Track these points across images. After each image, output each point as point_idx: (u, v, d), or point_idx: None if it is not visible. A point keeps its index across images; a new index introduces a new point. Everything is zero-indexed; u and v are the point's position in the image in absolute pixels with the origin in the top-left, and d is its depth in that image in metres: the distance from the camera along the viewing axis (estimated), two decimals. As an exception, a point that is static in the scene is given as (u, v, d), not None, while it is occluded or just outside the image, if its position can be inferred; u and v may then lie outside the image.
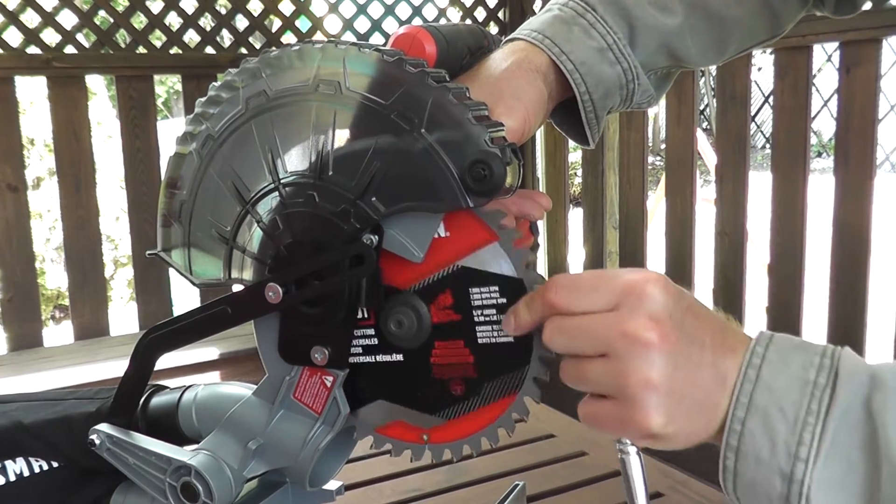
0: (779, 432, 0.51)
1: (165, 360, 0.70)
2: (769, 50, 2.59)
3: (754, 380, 0.52)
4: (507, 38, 0.72)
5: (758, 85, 9.67)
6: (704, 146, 4.68)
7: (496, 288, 0.59)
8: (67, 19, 2.54)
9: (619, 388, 0.52)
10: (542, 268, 3.26)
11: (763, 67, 8.58)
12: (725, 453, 0.53)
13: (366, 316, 0.62)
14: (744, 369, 0.52)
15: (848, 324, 2.16)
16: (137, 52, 2.68)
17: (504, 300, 0.59)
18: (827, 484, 0.50)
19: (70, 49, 2.56)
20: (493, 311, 0.59)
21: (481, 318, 0.59)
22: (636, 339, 0.51)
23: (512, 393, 0.60)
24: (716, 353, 0.53)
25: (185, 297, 2.86)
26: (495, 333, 0.59)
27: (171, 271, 0.68)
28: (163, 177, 0.67)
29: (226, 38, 2.84)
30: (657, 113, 8.07)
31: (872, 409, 0.50)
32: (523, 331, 0.57)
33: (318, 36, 2.90)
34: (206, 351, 2.40)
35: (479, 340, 0.60)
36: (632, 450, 0.56)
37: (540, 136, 3.22)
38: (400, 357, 0.62)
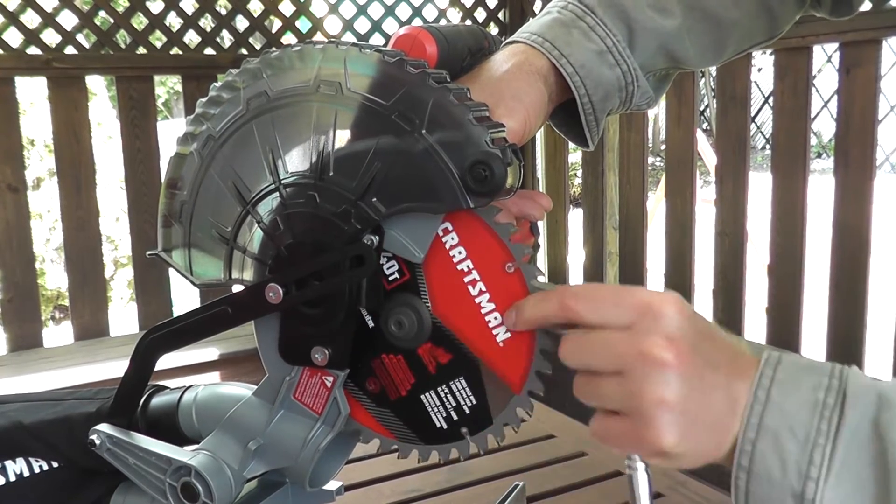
0: (790, 452, 0.52)
1: (165, 361, 0.70)
2: (769, 51, 2.59)
3: (764, 401, 0.53)
4: (507, 41, 0.72)
5: (758, 86, 9.68)
6: (704, 147, 4.68)
7: (475, 400, 0.61)
8: (67, 20, 2.54)
9: (633, 406, 0.53)
10: (542, 268, 3.25)
11: (763, 68, 8.59)
12: (737, 473, 0.53)
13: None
14: (753, 391, 0.53)
15: (848, 324, 2.16)
16: (137, 52, 2.68)
17: (468, 407, 0.61)
18: (838, 502, 0.51)
19: (70, 49, 2.56)
20: (452, 402, 0.61)
21: (441, 393, 0.61)
22: (653, 359, 0.52)
23: (390, 434, 0.64)
24: (728, 376, 0.54)
25: (184, 298, 2.86)
26: (435, 411, 0.62)
27: (171, 272, 0.68)
28: (163, 177, 0.67)
29: (226, 38, 2.84)
30: (657, 114, 8.08)
31: (881, 427, 0.50)
32: (522, 327, 0.57)
33: (319, 37, 2.90)
34: (206, 351, 2.40)
35: (421, 398, 0.62)
36: (640, 466, 0.56)
37: (540, 137, 3.22)
38: (371, 324, 0.63)
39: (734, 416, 0.53)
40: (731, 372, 0.54)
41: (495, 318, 0.59)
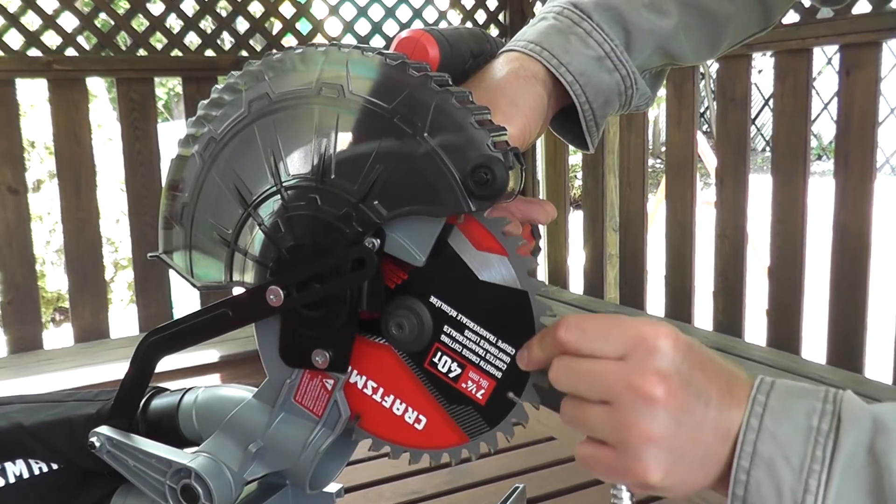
0: (784, 481, 0.51)
1: (166, 363, 0.70)
2: (769, 53, 2.59)
3: (757, 429, 0.52)
4: (503, 50, 0.71)
5: (758, 87, 9.69)
6: (705, 149, 4.68)
7: None
8: (68, 22, 2.54)
9: (619, 438, 0.53)
10: (542, 270, 3.26)
11: (763, 70, 8.60)
12: (732, 502, 0.53)
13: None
14: (746, 419, 0.53)
15: (848, 326, 2.16)
16: (138, 54, 2.69)
17: None
18: None
19: (71, 51, 2.56)
20: None
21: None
22: (642, 393, 0.52)
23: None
24: (721, 407, 0.53)
25: (185, 300, 2.86)
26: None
27: (172, 274, 0.68)
28: (164, 179, 0.67)
29: (226, 40, 2.84)
30: (657, 116, 8.08)
31: (877, 453, 0.50)
32: (536, 366, 0.58)
33: (319, 39, 2.90)
34: (206, 353, 2.40)
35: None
36: (626, 496, 0.56)
37: (540, 139, 3.22)
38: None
39: (725, 444, 0.53)
40: (724, 402, 0.54)
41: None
